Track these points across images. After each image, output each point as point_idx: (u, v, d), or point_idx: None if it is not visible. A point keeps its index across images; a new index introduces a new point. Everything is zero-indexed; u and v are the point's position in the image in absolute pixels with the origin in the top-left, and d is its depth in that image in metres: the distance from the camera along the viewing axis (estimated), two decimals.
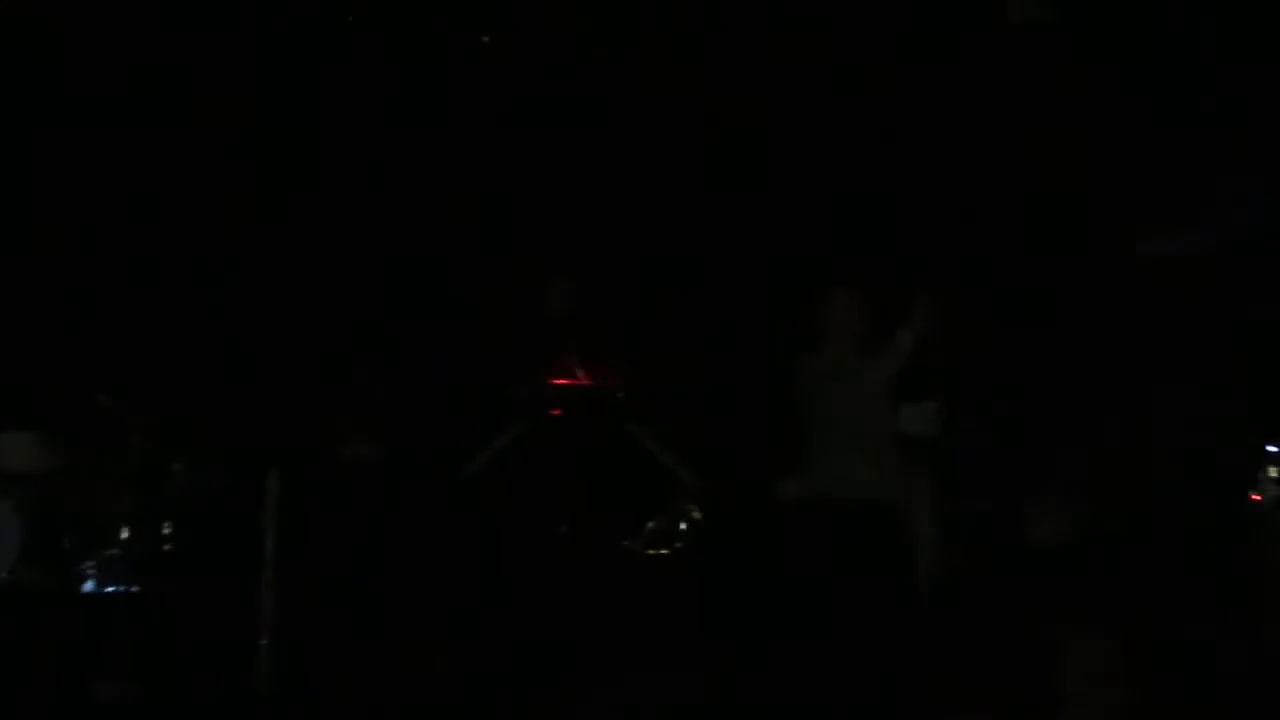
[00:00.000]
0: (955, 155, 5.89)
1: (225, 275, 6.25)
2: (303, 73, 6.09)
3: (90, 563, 5.42)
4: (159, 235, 6.18)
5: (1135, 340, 5.48)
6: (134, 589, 5.36)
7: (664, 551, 5.70)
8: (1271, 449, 5.09)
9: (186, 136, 6.11)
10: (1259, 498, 5.10)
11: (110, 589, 5.38)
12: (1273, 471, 5.00)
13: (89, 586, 5.39)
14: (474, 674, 4.98)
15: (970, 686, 4.54)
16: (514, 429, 5.83)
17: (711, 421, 6.05)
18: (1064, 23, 5.63)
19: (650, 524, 5.78)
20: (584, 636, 5.13)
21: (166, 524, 5.61)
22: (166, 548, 5.58)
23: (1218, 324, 5.42)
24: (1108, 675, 4.50)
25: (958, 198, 5.76)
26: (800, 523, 4.27)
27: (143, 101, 6.02)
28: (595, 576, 5.46)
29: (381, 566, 5.38)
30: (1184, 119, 5.75)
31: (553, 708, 4.76)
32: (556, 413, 5.83)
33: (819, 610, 4.24)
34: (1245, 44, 5.42)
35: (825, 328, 4.31)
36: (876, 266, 4.72)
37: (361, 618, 5.22)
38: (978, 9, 5.90)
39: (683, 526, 5.75)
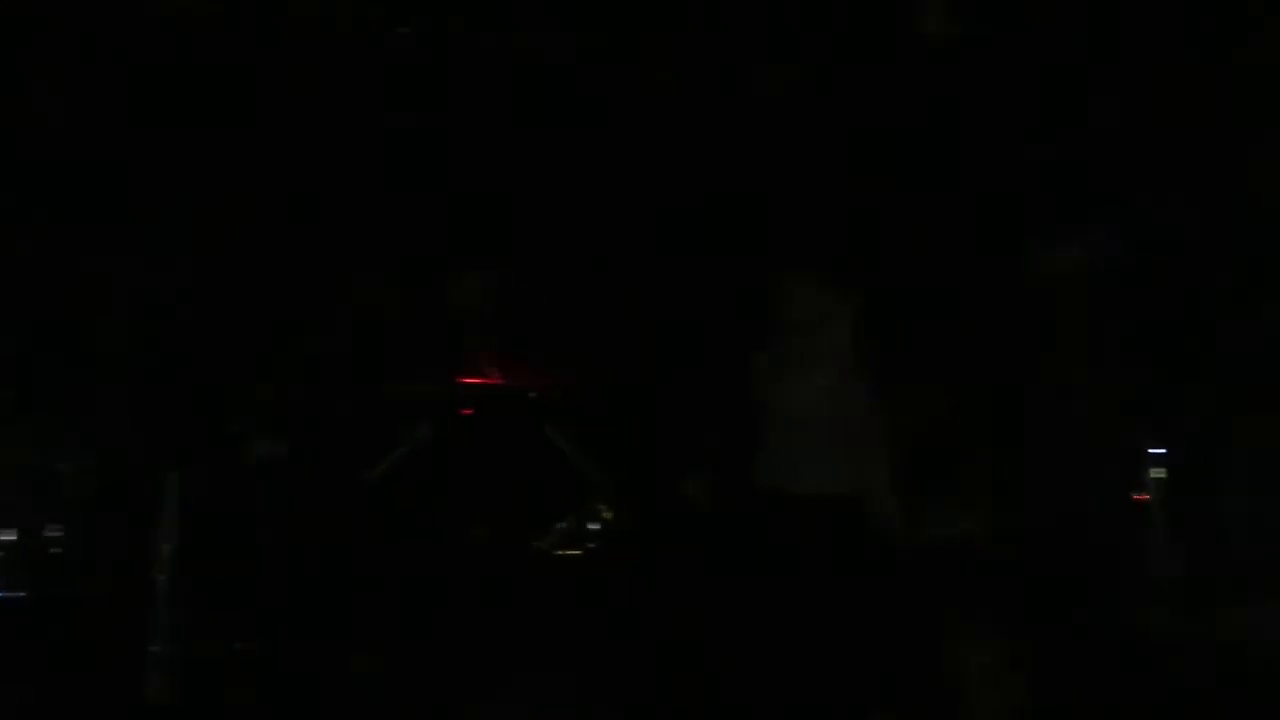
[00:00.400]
0: (873, 158, 6.05)
1: (116, 266, 5.99)
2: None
3: None
4: (47, 227, 5.90)
5: (1030, 346, 5.70)
6: (19, 593, 5.13)
7: (575, 553, 5.68)
8: (1154, 450, 5.35)
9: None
10: (1145, 498, 5.36)
11: None
12: (1158, 473, 5.26)
13: None
14: (381, 678, 4.89)
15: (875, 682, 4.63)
16: (422, 429, 5.74)
17: (627, 421, 6.05)
18: (973, 36, 5.82)
19: (561, 525, 5.75)
20: (493, 639, 5.08)
21: (53, 526, 5.37)
22: (54, 550, 5.34)
23: (1105, 331, 5.67)
24: (1000, 669, 4.65)
25: (877, 199, 5.90)
26: (763, 520, 4.24)
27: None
28: (505, 578, 5.41)
29: (284, 569, 5.23)
30: (1075, 133, 6.02)
31: (462, 712, 4.70)
32: (468, 412, 5.77)
33: (765, 610, 4.24)
34: (1137, 67, 5.71)
35: (783, 319, 4.30)
36: (822, 258, 4.72)
37: (261, 622, 5.08)
38: (888, 21, 6.07)
39: (595, 527, 5.73)
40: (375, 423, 5.79)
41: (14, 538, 5.27)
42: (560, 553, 5.66)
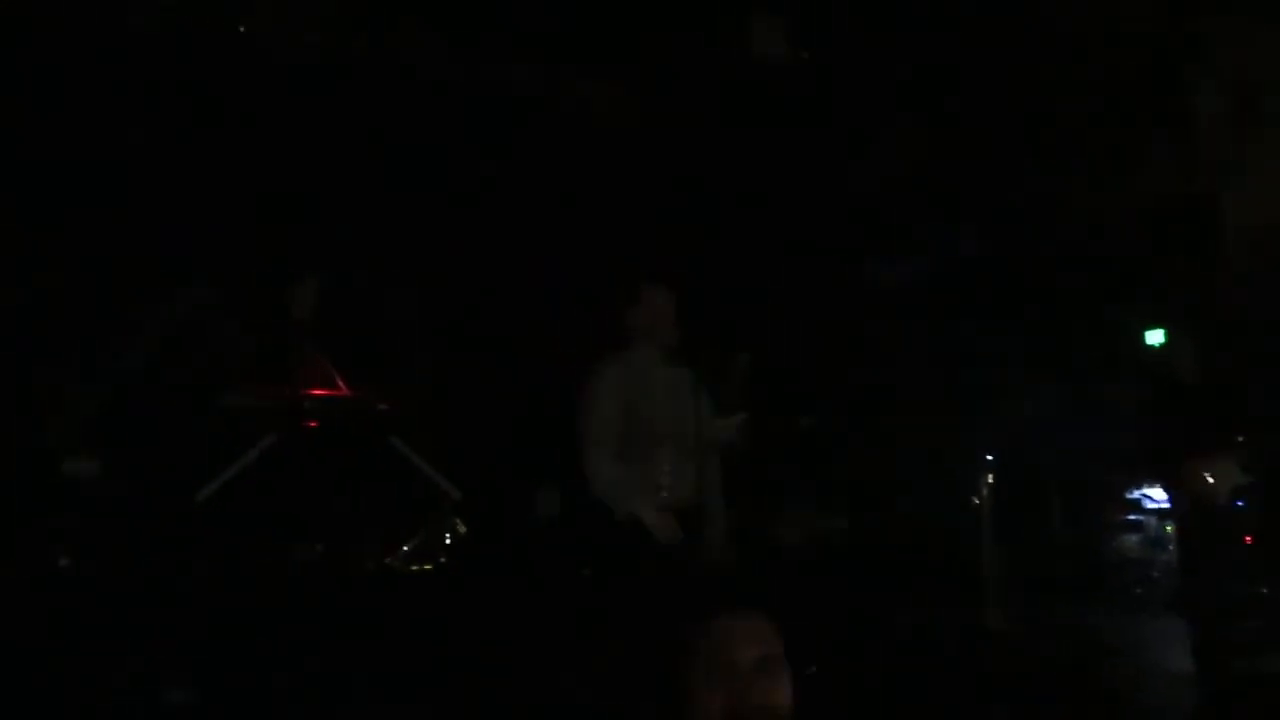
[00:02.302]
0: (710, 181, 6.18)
1: None
2: None
3: None
4: None
5: (871, 356, 5.95)
6: None
7: (428, 568, 5.50)
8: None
9: None
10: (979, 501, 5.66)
11: None
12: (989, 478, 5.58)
13: None
14: (218, 713, 4.58)
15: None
16: (261, 443, 5.43)
17: (477, 433, 5.93)
18: (808, 59, 6.04)
19: (414, 540, 5.56)
20: (342, 661, 4.85)
21: None
22: None
23: (940, 341, 6.00)
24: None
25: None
26: (609, 534, 4.17)
27: None
28: (354, 597, 5.19)
29: (107, 598, 4.82)
30: (901, 156, 6.36)
31: None
32: (312, 425, 5.50)
33: (605, 621, 4.19)
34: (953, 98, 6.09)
35: (633, 330, 4.24)
36: (669, 269, 4.70)
37: (84, 656, 4.66)
38: (727, 44, 6.23)
39: (448, 541, 5.58)
40: (209, 436, 5.43)
41: None
42: (412, 568, 5.48)
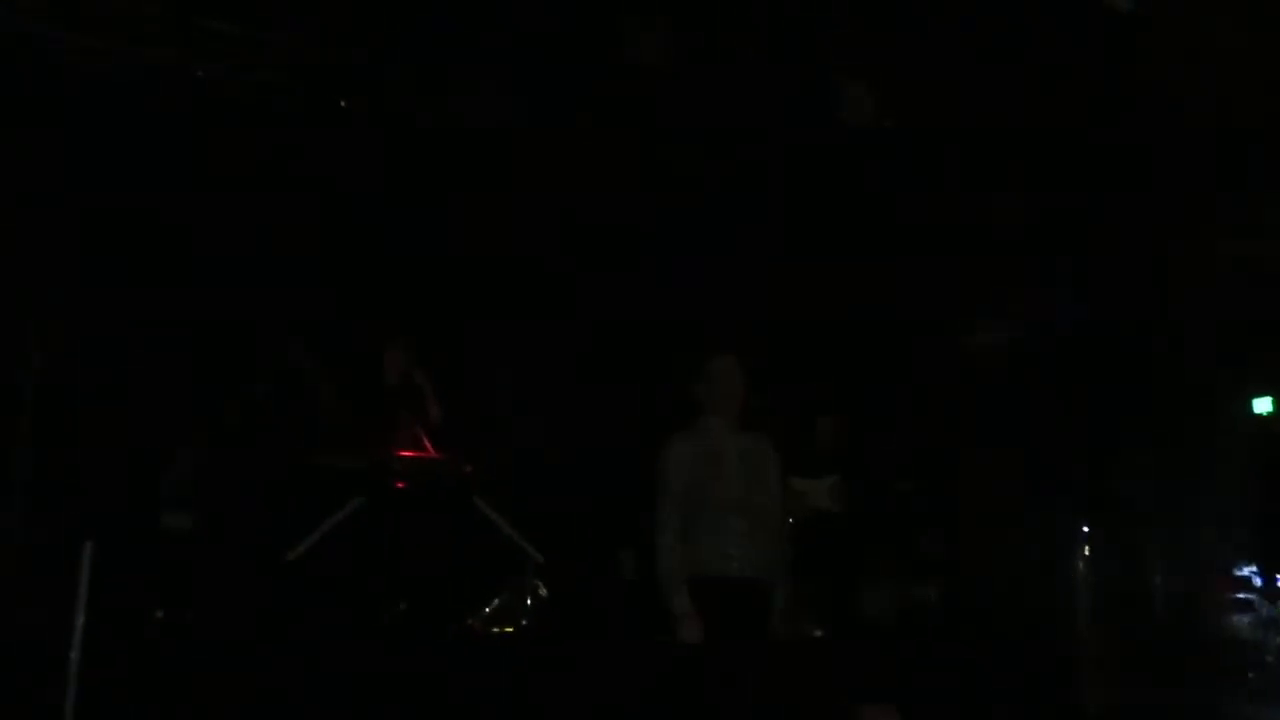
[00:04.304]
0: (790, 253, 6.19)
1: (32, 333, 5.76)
2: None
3: None
4: None
5: (965, 423, 5.81)
6: None
7: (509, 629, 5.53)
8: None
9: None
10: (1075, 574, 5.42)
11: None
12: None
13: None
14: None
15: None
16: (353, 502, 5.58)
17: (559, 496, 5.98)
18: (895, 126, 6.03)
19: (496, 601, 5.62)
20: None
21: None
22: None
23: (1031, 408, 5.83)
24: None
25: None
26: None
27: None
28: (436, 655, 5.24)
29: (200, 648, 4.98)
30: (992, 223, 6.26)
31: None
32: (401, 486, 5.64)
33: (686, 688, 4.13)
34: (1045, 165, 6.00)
35: (702, 401, 4.23)
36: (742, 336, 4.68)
37: (177, 704, 4.81)
38: (816, 111, 6.27)
39: (529, 603, 5.61)
40: (301, 494, 5.61)
41: None
42: (493, 629, 5.52)
